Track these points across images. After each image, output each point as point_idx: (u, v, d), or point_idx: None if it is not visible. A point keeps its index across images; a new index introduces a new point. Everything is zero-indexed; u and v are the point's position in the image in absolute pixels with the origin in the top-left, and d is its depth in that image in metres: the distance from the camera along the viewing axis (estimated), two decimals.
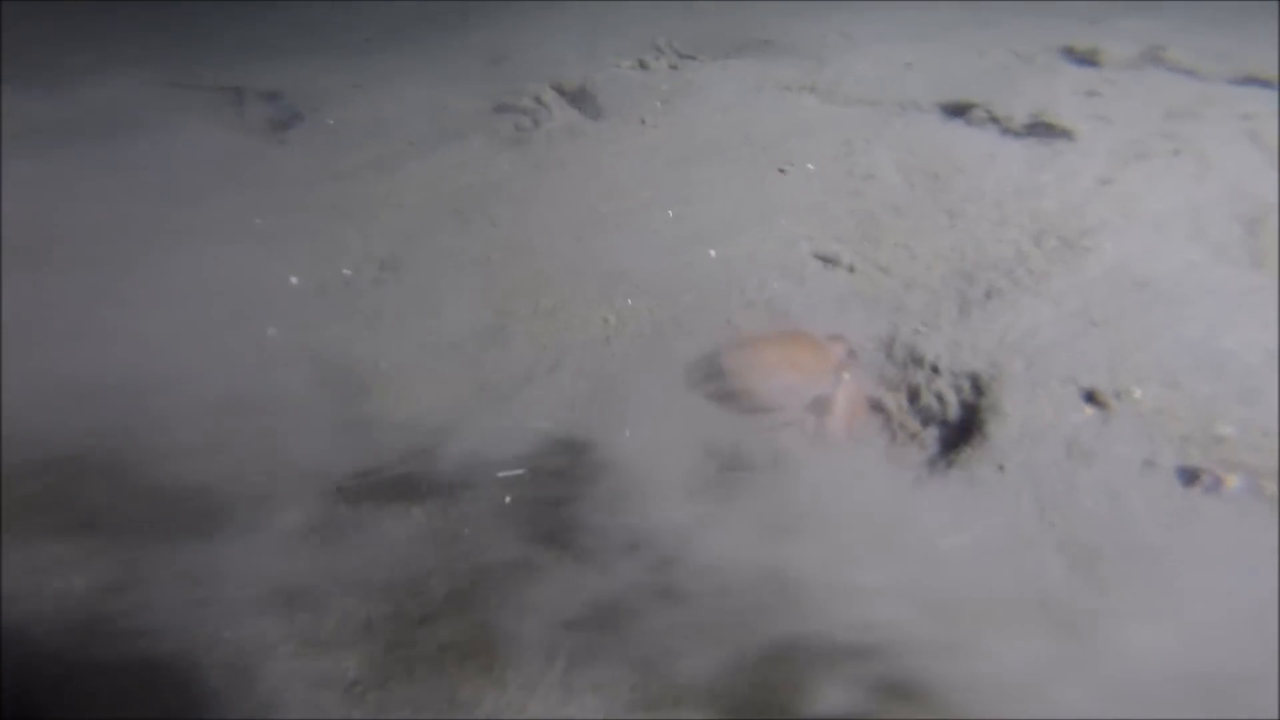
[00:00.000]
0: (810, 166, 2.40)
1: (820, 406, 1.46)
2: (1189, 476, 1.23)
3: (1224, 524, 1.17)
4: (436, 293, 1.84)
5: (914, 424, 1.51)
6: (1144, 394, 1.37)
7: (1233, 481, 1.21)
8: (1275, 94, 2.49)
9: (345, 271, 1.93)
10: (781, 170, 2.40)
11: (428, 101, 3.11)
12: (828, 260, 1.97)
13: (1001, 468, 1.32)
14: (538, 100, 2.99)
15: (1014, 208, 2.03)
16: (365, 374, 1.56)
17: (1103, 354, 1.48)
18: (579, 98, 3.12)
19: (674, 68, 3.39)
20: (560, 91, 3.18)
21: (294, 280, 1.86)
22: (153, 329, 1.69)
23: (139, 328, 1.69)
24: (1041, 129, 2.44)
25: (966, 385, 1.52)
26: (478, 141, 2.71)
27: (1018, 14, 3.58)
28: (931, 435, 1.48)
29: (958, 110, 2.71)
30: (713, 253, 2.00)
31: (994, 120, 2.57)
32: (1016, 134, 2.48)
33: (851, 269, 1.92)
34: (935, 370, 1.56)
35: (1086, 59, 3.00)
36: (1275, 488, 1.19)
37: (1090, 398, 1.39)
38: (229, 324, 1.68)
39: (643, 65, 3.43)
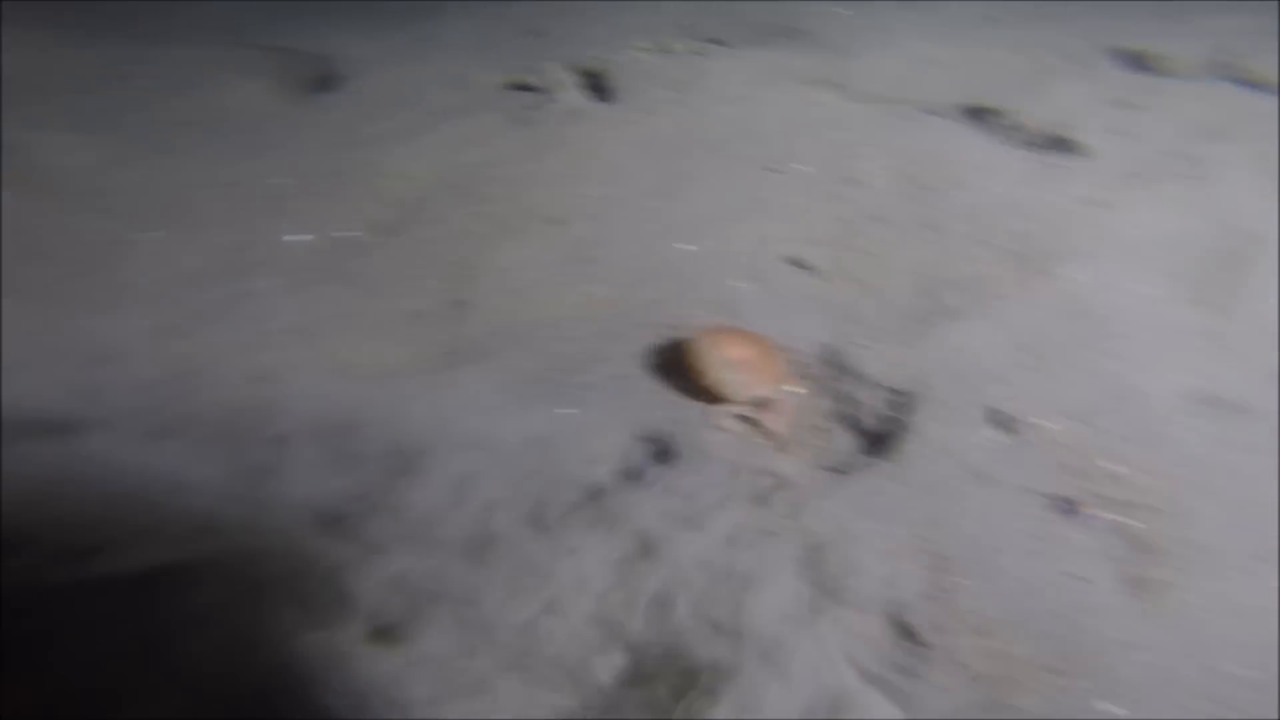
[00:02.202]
0: (803, 167, 2.47)
1: (760, 408, 1.59)
2: (1065, 507, 1.30)
3: (1076, 554, 1.24)
4: (420, 261, 2.07)
5: (838, 432, 1.62)
6: (1052, 425, 1.43)
7: (1099, 514, 1.27)
8: None
9: (343, 234, 2.19)
10: (773, 170, 2.48)
11: (452, 73, 3.33)
12: (796, 264, 2.07)
13: (900, 482, 1.42)
14: (552, 80, 3.16)
15: (996, 225, 2.05)
16: (338, 330, 1.81)
17: (1029, 385, 1.53)
18: (594, 80, 3.26)
19: (697, 54, 3.46)
20: (577, 72, 3.33)
21: (296, 238, 2.14)
22: (161, 272, 1.98)
23: (151, 270, 1.99)
24: (1057, 142, 2.40)
25: (892, 400, 1.61)
26: (488, 118, 2.91)
27: (1087, 10, 3.40)
28: (850, 445, 1.59)
29: (977, 115, 2.68)
30: (683, 247, 2.13)
31: (1011, 128, 2.54)
32: (1029, 145, 2.45)
33: (817, 274, 2.01)
34: (868, 383, 1.65)
35: (1144, 63, 2.86)
36: (1139, 526, 1.24)
37: (999, 424, 1.46)
38: (223, 275, 1.97)
39: (665, 50, 3.52)
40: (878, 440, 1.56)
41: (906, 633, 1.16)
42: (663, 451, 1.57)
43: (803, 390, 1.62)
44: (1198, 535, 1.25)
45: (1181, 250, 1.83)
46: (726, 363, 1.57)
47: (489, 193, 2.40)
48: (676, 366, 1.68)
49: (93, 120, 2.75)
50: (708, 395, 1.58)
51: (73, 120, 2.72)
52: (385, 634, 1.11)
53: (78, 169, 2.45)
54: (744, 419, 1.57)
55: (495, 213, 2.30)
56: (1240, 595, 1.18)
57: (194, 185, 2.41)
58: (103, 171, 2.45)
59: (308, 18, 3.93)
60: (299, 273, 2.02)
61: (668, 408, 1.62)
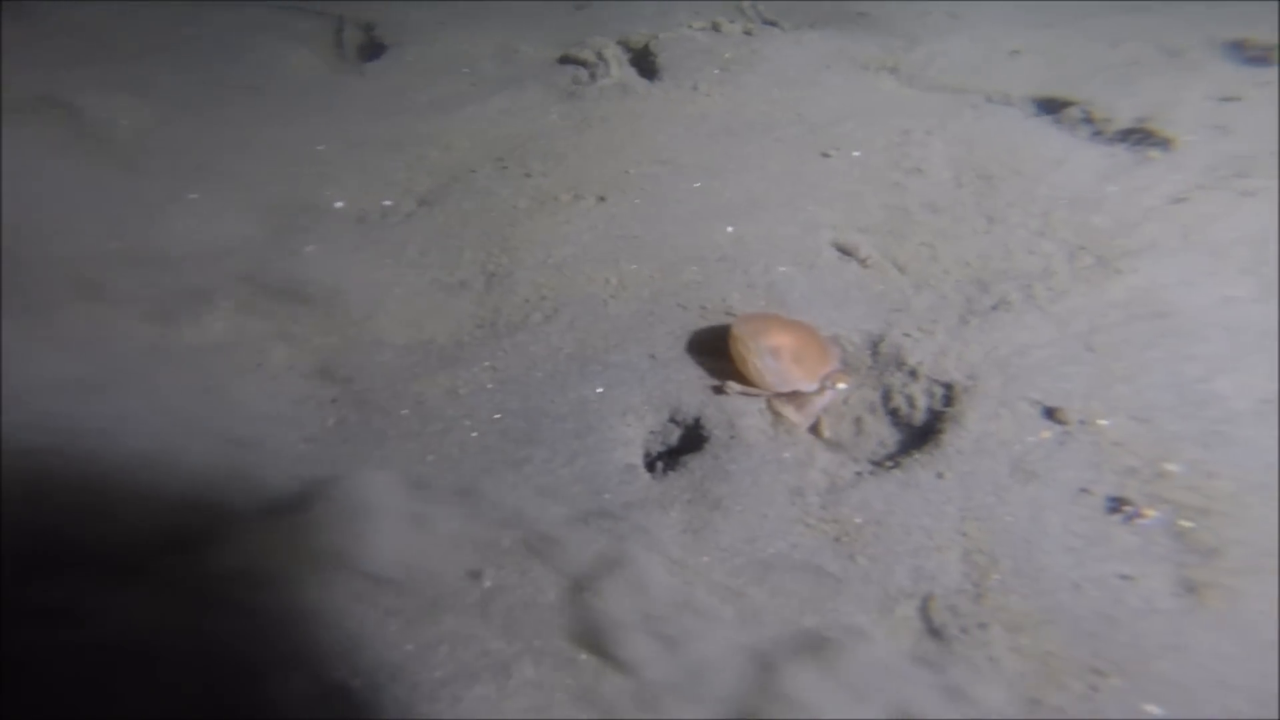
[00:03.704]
0: (856, 154, 2.50)
1: (800, 402, 1.62)
2: (1114, 505, 1.31)
3: (1124, 553, 1.25)
4: (460, 233, 2.20)
5: (880, 425, 1.66)
6: (1110, 424, 1.44)
7: (1151, 514, 1.28)
8: None
9: (385, 203, 2.34)
10: (825, 155, 2.52)
11: (500, 45, 3.46)
12: (844, 251, 2.11)
13: (940, 475, 1.45)
14: (599, 55, 3.27)
15: (1061, 219, 2.05)
16: (378, 298, 1.94)
17: (1085, 381, 1.54)
18: (641, 56, 3.36)
19: (748, 33, 3.52)
20: (625, 48, 3.43)
21: (338, 205, 2.30)
22: (204, 232, 2.14)
23: (195, 231, 2.16)
24: (1139, 136, 2.37)
25: (939, 393, 1.64)
26: (534, 91, 3.03)
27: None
28: (891, 438, 1.63)
29: (1051, 107, 2.67)
30: (729, 229, 2.20)
31: (1088, 121, 2.52)
32: (1107, 139, 2.43)
33: (866, 263, 2.05)
34: (914, 375, 1.69)
35: (1258, 56, 2.77)
36: (1190, 525, 1.25)
37: (1053, 421, 1.48)
38: (274, 239, 2.13)
39: (715, 28, 3.59)
40: (919, 433, 1.60)
41: (938, 626, 1.20)
42: (695, 437, 1.63)
43: (846, 382, 1.66)
44: (1256, 538, 1.24)
45: (1268, 250, 1.81)
46: (768, 350, 1.60)
47: (532, 166, 2.51)
48: (716, 351, 1.75)
49: (146, 82, 2.96)
50: (747, 382, 1.62)
51: (127, 82, 2.94)
52: None
53: (130, 129, 2.67)
54: (782, 409, 1.62)
55: (538, 187, 2.41)
56: None
57: (240, 148, 2.59)
58: (153, 132, 2.67)
59: None
60: (339, 239, 2.17)
61: (704, 393, 1.67)
